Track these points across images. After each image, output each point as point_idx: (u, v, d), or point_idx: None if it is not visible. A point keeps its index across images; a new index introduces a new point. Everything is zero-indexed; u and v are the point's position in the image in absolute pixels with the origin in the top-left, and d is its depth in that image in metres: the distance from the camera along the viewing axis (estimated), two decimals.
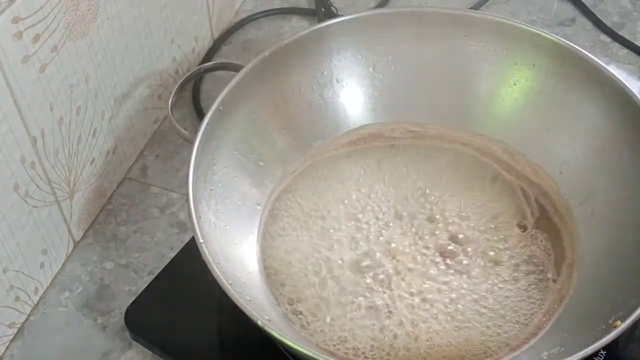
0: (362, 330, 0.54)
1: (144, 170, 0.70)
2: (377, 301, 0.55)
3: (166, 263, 0.61)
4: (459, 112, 0.65)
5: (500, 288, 0.56)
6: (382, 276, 0.56)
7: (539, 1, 0.84)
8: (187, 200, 0.52)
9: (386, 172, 0.63)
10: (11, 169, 0.53)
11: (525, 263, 0.58)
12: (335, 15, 0.80)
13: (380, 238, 0.59)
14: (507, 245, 0.59)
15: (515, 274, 0.57)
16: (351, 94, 0.65)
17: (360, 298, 0.55)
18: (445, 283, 0.56)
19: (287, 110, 0.63)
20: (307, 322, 0.55)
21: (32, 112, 0.54)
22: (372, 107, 0.66)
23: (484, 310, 0.55)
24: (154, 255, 0.63)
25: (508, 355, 0.53)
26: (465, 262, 0.57)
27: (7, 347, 0.58)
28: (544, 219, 0.60)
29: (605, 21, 0.81)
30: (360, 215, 0.60)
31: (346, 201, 0.61)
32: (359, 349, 0.53)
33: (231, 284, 0.48)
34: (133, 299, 0.59)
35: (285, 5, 0.84)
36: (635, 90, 0.57)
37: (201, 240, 0.50)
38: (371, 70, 0.65)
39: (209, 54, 0.78)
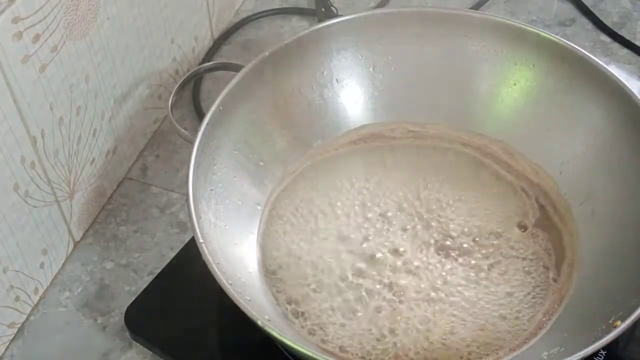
0: (362, 330, 0.54)
1: (144, 170, 0.70)
2: (376, 301, 0.55)
3: (166, 263, 0.61)
4: (459, 112, 0.65)
5: (500, 288, 0.56)
6: (381, 276, 0.56)
7: (539, 1, 0.84)
8: (187, 200, 0.52)
9: (386, 172, 0.63)
10: (11, 169, 0.53)
11: (526, 263, 0.58)
12: (335, 15, 0.80)
13: (381, 238, 0.59)
14: (507, 245, 0.58)
15: (516, 274, 0.57)
16: (351, 94, 0.65)
17: (360, 298, 0.55)
18: (444, 283, 0.56)
19: (287, 110, 0.63)
20: (307, 322, 0.55)
21: (32, 112, 0.54)
22: (372, 107, 0.66)
23: (483, 310, 0.55)
24: (154, 255, 0.63)
25: (508, 355, 0.53)
26: (465, 262, 0.57)
27: (7, 347, 0.58)
28: (544, 219, 0.60)
29: (605, 21, 0.81)
30: (360, 216, 0.60)
31: (346, 201, 0.61)
32: (359, 348, 0.53)
33: (231, 284, 0.48)
34: (133, 299, 0.59)
35: (285, 5, 0.84)
36: (635, 90, 0.57)
37: (201, 240, 0.50)
38: (371, 70, 0.65)
39: (209, 54, 0.78)
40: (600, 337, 0.46)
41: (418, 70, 0.65)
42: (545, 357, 0.51)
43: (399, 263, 0.57)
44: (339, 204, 0.61)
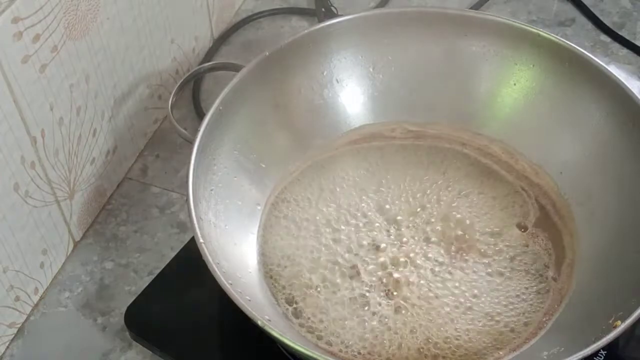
0: (362, 330, 0.54)
1: (144, 170, 0.70)
2: (376, 301, 0.55)
3: (166, 263, 0.61)
4: (459, 112, 0.65)
5: (500, 288, 0.56)
6: (382, 276, 0.56)
7: (539, 1, 0.84)
8: (187, 200, 0.52)
9: (386, 172, 0.63)
10: (11, 169, 0.53)
11: (526, 263, 0.58)
12: (335, 15, 0.80)
13: (381, 238, 0.59)
14: (507, 245, 0.59)
15: (516, 274, 0.57)
16: (351, 94, 0.65)
17: (361, 298, 0.55)
18: (445, 283, 0.56)
19: (287, 110, 0.63)
20: (307, 322, 0.55)
21: (32, 112, 0.54)
22: (372, 107, 0.66)
23: (483, 310, 0.55)
24: (154, 255, 0.63)
25: (508, 355, 0.53)
26: (465, 262, 0.57)
27: (7, 347, 0.58)
28: (544, 219, 0.60)
29: (605, 21, 0.81)
30: (360, 215, 0.60)
31: (346, 201, 0.61)
32: (359, 348, 0.53)
33: (231, 284, 0.48)
34: (133, 299, 0.59)
35: (285, 5, 0.84)
36: (635, 90, 0.57)
37: (201, 240, 0.50)
38: (371, 70, 0.65)
39: (209, 54, 0.78)
40: (600, 337, 0.46)
41: (418, 70, 0.65)
42: (545, 357, 0.51)
43: (399, 263, 0.57)
44: (338, 203, 0.61)
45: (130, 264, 0.63)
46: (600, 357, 0.53)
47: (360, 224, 0.60)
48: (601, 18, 0.81)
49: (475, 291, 0.56)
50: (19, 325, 0.59)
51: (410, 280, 0.56)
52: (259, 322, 0.47)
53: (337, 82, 0.64)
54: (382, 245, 0.58)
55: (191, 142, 0.55)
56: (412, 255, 0.58)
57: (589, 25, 0.81)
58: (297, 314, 0.55)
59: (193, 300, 0.58)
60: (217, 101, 0.57)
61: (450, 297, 0.55)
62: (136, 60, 0.65)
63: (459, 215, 0.60)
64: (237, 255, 0.56)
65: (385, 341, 0.53)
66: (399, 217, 0.60)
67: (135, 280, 0.62)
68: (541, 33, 0.61)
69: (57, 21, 0.54)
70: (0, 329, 0.57)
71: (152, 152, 0.71)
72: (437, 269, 0.57)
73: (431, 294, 0.56)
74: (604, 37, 0.80)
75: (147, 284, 0.60)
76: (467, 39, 0.64)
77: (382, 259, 0.57)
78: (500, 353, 0.53)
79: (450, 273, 0.57)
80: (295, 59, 0.62)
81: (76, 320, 0.60)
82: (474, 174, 0.63)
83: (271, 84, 0.61)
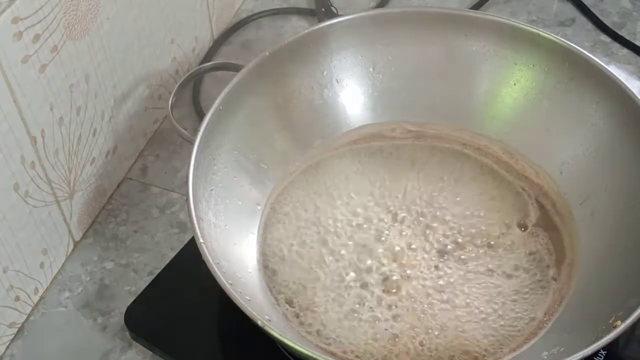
0: (362, 330, 0.54)
1: (144, 170, 0.70)
2: (377, 301, 0.55)
3: (166, 263, 0.61)
4: (459, 112, 0.65)
5: (500, 288, 0.56)
6: (382, 276, 0.57)
7: (539, 1, 0.84)
8: (187, 200, 0.52)
9: (386, 172, 0.63)
10: (11, 169, 0.53)
11: (526, 263, 0.58)
12: (335, 15, 0.80)
13: (381, 238, 0.59)
14: (507, 245, 0.59)
15: (516, 274, 0.57)
16: (351, 94, 0.65)
17: (361, 298, 0.55)
18: (444, 283, 0.56)
19: (287, 110, 0.63)
20: (307, 322, 0.55)
21: (32, 112, 0.54)
22: (372, 107, 0.66)
23: (484, 310, 0.55)
24: (154, 255, 0.63)
25: (508, 355, 0.53)
26: (465, 262, 0.57)
27: (7, 347, 0.58)
28: (544, 219, 0.60)
29: (605, 21, 0.81)
30: (360, 215, 0.60)
31: (346, 201, 0.61)
32: (359, 349, 0.53)
33: (231, 284, 0.48)
34: (133, 299, 0.59)
35: (285, 5, 0.84)
36: (635, 90, 0.57)
37: (201, 240, 0.50)
38: (371, 70, 0.65)
39: (209, 54, 0.78)
40: (600, 337, 0.46)
41: (418, 70, 0.65)
42: (545, 357, 0.51)
43: (399, 263, 0.57)
44: (339, 204, 0.61)
45: (130, 264, 0.63)
46: (600, 357, 0.53)
47: (361, 224, 0.60)
48: (601, 18, 0.81)
49: (475, 291, 0.56)
50: (19, 325, 0.59)
51: (410, 280, 0.56)
52: (259, 322, 0.47)
53: (337, 82, 0.64)
54: (382, 245, 0.58)
55: (191, 142, 0.55)
56: (411, 255, 0.58)
57: (589, 25, 0.81)
58: (297, 314, 0.55)
59: (193, 300, 0.58)
60: (217, 101, 0.57)
61: (450, 297, 0.55)
62: (136, 60, 0.65)
63: (459, 216, 0.60)
64: (237, 255, 0.56)
65: (385, 341, 0.54)
66: (399, 217, 0.60)
67: (135, 280, 0.62)
68: (541, 33, 0.61)
69: (57, 21, 0.54)
70: (0, 329, 0.57)
71: (152, 152, 0.71)
72: (437, 269, 0.57)
73: (431, 295, 0.56)
74: (604, 37, 0.80)
75: (147, 284, 0.60)
76: (467, 39, 0.64)
77: (382, 259, 0.57)
78: (500, 353, 0.53)
79: (450, 273, 0.57)
80: (295, 58, 0.62)
81: (76, 320, 0.60)
82: (474, 174, 0.63)
83: (271, 84, 0.61)
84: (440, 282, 0.56)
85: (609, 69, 0.59)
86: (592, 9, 0.82)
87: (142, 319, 0.58)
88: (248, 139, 0.60)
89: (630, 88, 0.57)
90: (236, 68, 0.60)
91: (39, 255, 0.59)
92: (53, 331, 0.59)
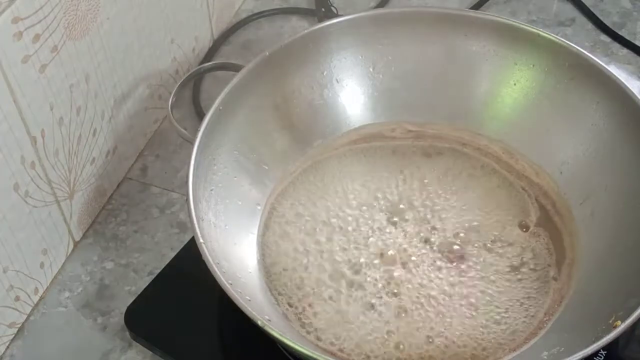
0: (362, 330, 0.54)
1: (144, 170, 0.70)
2: (376, 301, 0.55)
3: (166, 263, 0.61)
4: (459, 112, 0.65)
5: (500, 288, 0.56)
6: (382, 276, 0.57)
7: (539, 1, 0.84)
8: (187, 200, 0.52)
9: (386, 172, 0.63)
10: (11, 169, 0.53)
11: (526, 263, 0.58)
12: (335, 15, 0.80)
13: (381, 238, 0.59)
14: (507, 245, 0.59)
15: (516, 274, 0.57)
16: (351, 94, 0.65)
17: (361, 298, 0.55)
18: (445, 283, 0.56)
19: (287, 110, 0.63)
20: (307, 322, 0.55)
21: (32, 112, 0.54)
22: (372, 107, 0.66)
23: (484, 310, 0.55)
24: (154, 255, 0.63)
25: (508, 355, 0.53)
26: (465, 262, 0.57)
27: (7, 347, 0.58)
28: (544, 219, 0.60)
29: (605, 21, 0.81)
30: (361, 215, 0.60)
31: (347, 201, 0.61)
32: (359, 349, 0.53)
33: (231, 284, 0.48)
34: (133, 299, 0.59)
35: (285, 5, 0.84)
36: (635, 90, 0.57)
37: (201, 240, 0.50)
38: (371, 70, 0.65)
39: (209, 54, 0.78)
40: (600, 337, 0.46)
41: (418, 70, 0.65)
42: (545, 357, 0.51)
43: (399, 263, 0.57)
44: (339, 204, 0.61)
45: (130, 264, 0.63)
46: (600, 357, 0.53)
47: (361, 224, 0.60)
48: (601, 18, 0.81)
49: (475, 291, 0.56)
50: (19, 325, 0.59)
51: (411, 280, 0.56)
52: (259, 322, 0.47)
53: (337, 82, 0.64)
54: (383, 245, 0.58)
55: (191, 142, 0.55)
56: (412, 255, 0.58)
57: (589, 25, 0.81)
58: (297, 314, 0.55)
59: (193, 300, 0.58)
60: (217, 101, 0.57)
61: (450, 297, 0.55)
62: (136, 60, 0.65)
63: (459, 216, 0.60)
64: (237, 255, 0.56)
65: (385, 341, 0.53)
66: (399, 217, 0.60)
67: (135, 280, 0.62)
68: (541, 33, 0.61)
69: (57, 21, 0.54)
70: (0, 329, 0.57)
71: (152, 152, 0.71)
72: (437, 269, 0.57)
73: (431, 295, 0.55)
74: (604, 37, 0.80)
75: (147, 284, 0.60)
76: (467, 39, 0.64)
77: (382, 259, 0.57)
78: (500, 353, 0.53)
79: (450, 273, 0.57)
80: (295, 59, 0.62)
81: (76, 320, 0.60)
82: (474, 174, 0.63)
83: (271, 84, 0.61)
84: (440, 282, 0.56)
85: (609, 69, 0.59)
86: (592, 9, 0.82)
87: (142, 319, 0.58)
88: (248, 139, 0.60)
89: (630, 88, 0.57)
90: (236, 68, 0.60)
91: (39, 255, 0.59)
92: (53, 331, 0.59)
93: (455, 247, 0.58)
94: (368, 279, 0.56)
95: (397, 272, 0.57)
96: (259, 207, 0.60)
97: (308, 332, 0.54)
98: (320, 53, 0.63)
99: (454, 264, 0.57)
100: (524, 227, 0.60)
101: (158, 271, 0.61)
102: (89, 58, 0.59)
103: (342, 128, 0.65)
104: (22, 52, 0.51)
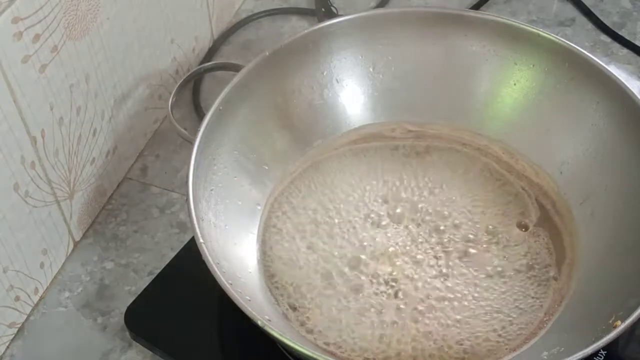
0: (362, 330, 0.54)
1: (144, 170, 0.70)
2: (377, 301, 0.55)
3: (166, 263, 0.61)
4: (459, 112, 0.65)
5: (500, 288, 0.56)
6: (382, 276, 0.57)
7: (539, 1, 0.84)
8: (187, 200, 0.52)
9: (386, 172, 0.63)
10: (11, 169, 0.53)
11: (526, 263, 0.58)
12: (335, 15, 0.80)
13: (381, 238, 0.59)
14: (507, 245, 0.59)
15: (516, 274, 0.57)
16: (351, 94, 0.65)
17: (361, 298, 0.55)
18: (445, 283, 0.56)
19: (287, 110, 0.63)
20: (307, 323, 0.55)
21: (32, 112, 0.54)
22: (372, 107, 0.66)
23: (484, 310, 0.55)
24: (154, 255, 0.63)
25: (508, 355, 0.53)
26: (465, 262, 0.57)
27: (7, 347, 0.58)
28: (544, 219, 0.60)
29: (605, 21, 0.81)
30: (360, 215, 0.60)
31: (347, 201, 0.61)
32: (359, 349, 0.53)
33: (231, 284, 0.48)
34: (133, 299, 0.59)
35: (285, 5, 0.84)
36: (635, 90, 0.57)
37: (201, 240, 0.50)
38: (371, 70, 0.65)
39: (209, 54, 0.78)
40: (600, 337, 0.46)
41: (418, 70, 0.65)
42: (545, 357, 0.51)
43: (399, 263, 0.57)
44: (339, 203, 0.61)
45: (130, 264, 0.63)
46: (600, 357, 0.53)
47: (361, 224, 0.60)
48: (601, 18, 0.81)
49: (475, 291, 0.56)
50: (19, 325, 0.59)
51: (411, 280, 0.56)
52: (259, 322, 0.47)
53: (337, 82, 0.64)
54: (383, 245, 0.58)
55: (191, 142, 0.55)
56: (412, 255, 0.58)
57: (589, 25, 0.81)
58: (297, 314, 0.55)
59: (193, 300, 0.58)
60: (217, 101, 0.57)
61: (450, 297, 0.55)
62: (136, 60, 0.65)
63: (459, 215, 0.60)
64: (237, 255, 0.56)
65: (385, 341, 0.53)
66: (399, 217, 0.60)
67: (135, 280, 0.62)
68: (541, 33, 0.61)
69: (57, 21, 0.54)
70: (0, 329, 0.57)
71: (152, 152, 0.71)
72: (437, 269, 0.57)
73: (431, 295, 0.55)
74: (604, 37, 0.80)
75: (147, 284, 0.60)
76: (467, 39, 0.64)
77: (382, 259, 0.57)
78: (500, 353, 0.53)
79: (450, 273, 0.57)
80: (295, 59, 0.62)
81: (76, 320, 0.60)
82: (474, 174, 0.63)
83: (271, 84, 0.61)
84: (440, 282, 0.56)
85: (609, 69, 0.59)
86: (592, 9, 0.82)
87: (142, 319, 0.58)
88: (248, 139, 0.60)
89: (630, 88, 0.57)
90: (236, 68, 0.60)
91: (39, 255, 0.59)
92: (53, 331, 0.59)
93: (455, 247, 0.58)
94: (368, 278, 0.56)
95: (397, 272, 0.57)
96: (259, 207, 0.60)
97: (308, 332, 0.54)
98: (320, 53, 0.63)
99: (454, 264, 0.57)
100: (524, 227, 0.60)
101: (158, 271, 0.61)
102: (89, 58, 0.59)
103: (342, 128, 0.65)
104: (22, 52, 0.51)
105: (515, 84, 0.64)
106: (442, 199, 0.61)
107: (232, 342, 0.57)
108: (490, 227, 0.60)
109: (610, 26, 0.80)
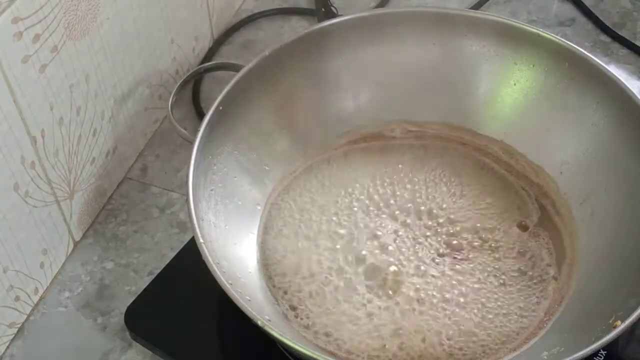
0: (362, 330, 0.54)
1: (144, 170, 0.70)
2: (377, 301, 0.55)
3: (166, 263, 0.61)
4: (459, 112, 0.65)
5: (500, 288, 0.56)
6: (382, 276, 0.56)
7: (539, 1, 0.84)
8: (187, 200, 0.52)
9: (386, 172, 0.63)
10: (11, 169, 0.53)
11: (526, 263, 0.58)
12: (335, 15, 0.80)
13: (381, 238, 0.59)
14: (507, 245, 0.59)
15: (516, 274, 0.57)
16: (351, 94, 0.65)
17: (360, 298, 0.55)
18: (445, 283, 0.56)
19: (287, 110, 0.63)
20: (307, 322, 0.55)
21: (32, 112, 0.54)
22: (372, 107, 0.66)
23: (484, 310, 0.55)
24: (154, 255, 0.63)
25: (508, 355, 0.53)
26: (465, 262, 0.57)
27: (7, 347, 0.58)
28: (544, 219, 0.60)
29: (605, 21, 0.81)
30: (360, 216, 0.60)
31: (347, 201, 0.61)
32: (359, 348, 0.53)
33: (231, 284, 0.48)
34: (133, 299, 0.59)
35: (285, 5, 0.84)
36: (635, 90, 0.57)
37: (201, 240, 0.50)
38: (371, 70, 0.65)
39: (209, 54, 0.78)
40: (600, 337, 0.46)
41: (418, 71, 0.65)
42: (545, 357, 0.51)
43: (399, 263, 0.57)
44: (339, 203, 0.61)
45: (130, 264, 0.63)
46: (600, 357, 0.53)
47: (361, 224, 0.60)
48: (601, 18, 0.81)
49: (475, 292, 0.56)
50: (19, 325, 0.59)
51: (411, 280, 0.56)
52: (259, 322, 0.47)
53: (337, 82, 0.64)
54: (383, 246, 0.58)
55: (191, 142, 0.55)
56: (412, 255, 0.58)
57: (589, 25, 0.81)
58: (297, 314, 0.55)
59: (193, 300, 0.58)
60: (217, 101, 0.57)
61: (450, 297, 0.55)
62: (136, 60, 0.65)
63: (459, 215, 0.60)
64: (237, 255, 0.56)
65: (385, 342, 0.53)
66: (399, 217, 0.60)
67: (135, 280, 0.62)
68: (541, 33, 0.61)
69: (57, 21, 0.54)
70: (0, 329, 0.57)
71: (152, 152, 0.71)
72: (437, 268, 0.57)
73: (431, 295, 0.55)
74: (604, 37, 0.80)
75: (147, 284, 0.60)
76: (467, 39, 0.64)
77: (382, 259, 0.57)
78: (500, 353, 0.53)
79: (450, 273, 0.57)
80: (295, 59, 0.62)
81: (76, 320, 0.60)
82: (474, 174, 0.63)
83: (271, 84, 0.61)
84: (441, 282, 0.56)
85: (609, 69, 0.59)
86: (592, 9, 0.82)
87: (142, 319, 0.58)
88: (248, 139, 0.60)
89: (630, 88, 0.57)
90: (236, 68, 0.60)
91: (39, 255, 0.59)
92: (53, 331, 0.59)
93: (455, 247, 0.58)
94: (368, 279, 0.56)
95: (397, 272, 0.57)
96: (259, 207, 0.60)
97: (308, 332, 0.54)
98: (321, 53, 0.63)
99: (453, 263, 0.57)
100: (524, 227, 0.60)
101: (158, 271, 0.61)
102: (89, 58, 0.59)
103: (342, 128, 0.65)
104: (22, 52, 0.51)
105: (515, 84, 0.64)
106: (441, 199, 0.61)
107: (232, 342, 0.57)
108: (491, 227, 0.60)
109: (610, 26, 0.80)
